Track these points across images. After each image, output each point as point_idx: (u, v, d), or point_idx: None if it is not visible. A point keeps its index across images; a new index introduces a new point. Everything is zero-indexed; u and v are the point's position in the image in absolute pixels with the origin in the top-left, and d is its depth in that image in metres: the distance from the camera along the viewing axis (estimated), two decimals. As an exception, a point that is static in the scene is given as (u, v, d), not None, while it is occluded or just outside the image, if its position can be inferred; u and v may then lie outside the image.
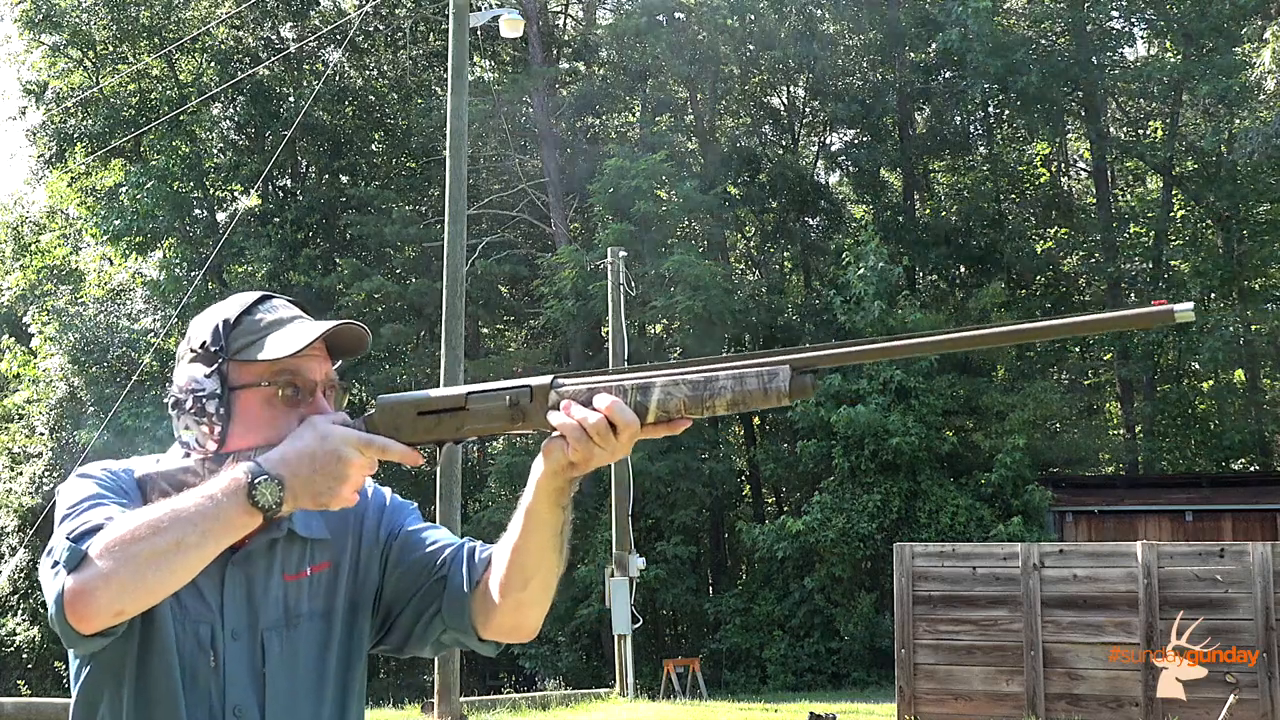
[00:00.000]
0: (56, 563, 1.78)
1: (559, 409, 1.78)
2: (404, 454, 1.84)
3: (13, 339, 34.29)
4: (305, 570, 2.02)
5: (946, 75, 31.33)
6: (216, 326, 1.98)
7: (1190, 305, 1.57)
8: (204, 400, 1.95)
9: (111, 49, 32.02)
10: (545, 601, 1.97)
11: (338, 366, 2.05)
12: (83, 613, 1.74)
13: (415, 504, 2.18)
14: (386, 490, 2.15)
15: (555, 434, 1.79)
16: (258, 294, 2.04)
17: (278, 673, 1.96)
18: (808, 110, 33.66)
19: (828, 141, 34.22)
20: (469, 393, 1.87)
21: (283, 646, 1.96)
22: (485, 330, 33.93)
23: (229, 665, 1.94)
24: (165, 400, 2.04)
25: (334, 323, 1.96)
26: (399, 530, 2.09)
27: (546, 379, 1.82)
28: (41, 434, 31.77)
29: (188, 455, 2.00)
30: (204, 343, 1.98)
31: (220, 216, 32.80)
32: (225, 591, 1.95)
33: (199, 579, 1.91)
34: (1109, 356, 29.97)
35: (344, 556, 2.05)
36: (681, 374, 1.74)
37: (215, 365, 1.95)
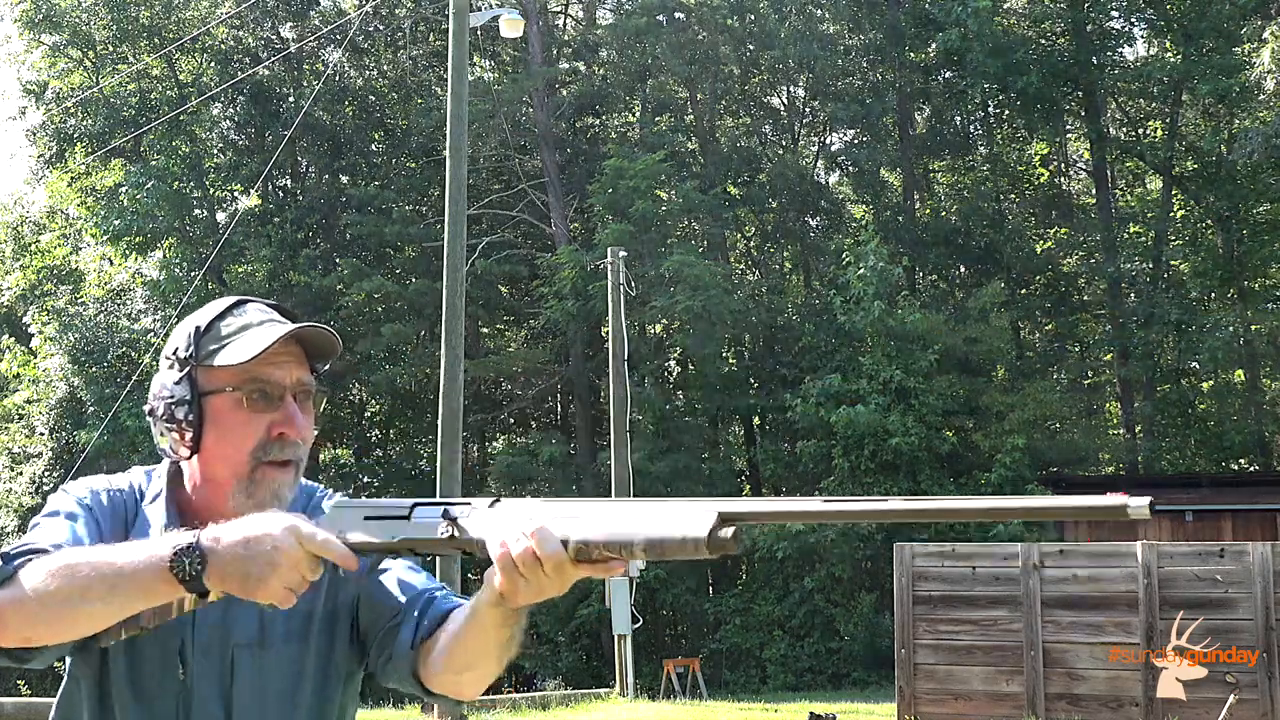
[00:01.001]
0: None
1: (495, 540, 1.70)
2: (343, 556, 1.74)
3: (13, 339, 34.30)
4: None
5: (946, 75, 31.34)
6: (189, 333, 1.98)
7: (1146, 501, 1.49)
8: (174, 407, 1.94)
9: (111, 49, 32.02)
10: (484, 683, 1.93)
11: (328, 369, 2.04)
12: None
13: None
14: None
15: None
16: (233, 299, 2.03)
17: (245, 693, 1.95)
18: (808, 110, 33.66)
19: (828, 141, 34.24)
20: (414, 504, 1.81)
21: (253, 667, 1.94)
22: (485, 330, 33.93)
23: (197, 681, 1.93)
24: (144, 408, 2.04)
25: (294, 325, 1.95)
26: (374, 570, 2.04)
27: (488, 500, 1.75)
28: (41, 434, 31.77)
29: (174, 464, 2.00)
30: (176, 349, 1.98)
31: (220, 216, 32.80)
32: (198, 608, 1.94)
33: None
34: (1109, 357, 29.97)
35: (322, 582, 1.99)
36: (606, 517, 1.65)
37: (185, 371, 1.95)
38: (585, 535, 1.64)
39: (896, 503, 1.58)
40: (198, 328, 1.98)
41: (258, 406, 1.93)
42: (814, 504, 1.61)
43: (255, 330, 1.95)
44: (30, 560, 1.77)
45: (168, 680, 1.92)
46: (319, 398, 2.02)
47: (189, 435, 1.94)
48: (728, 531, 1.59)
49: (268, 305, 2.03)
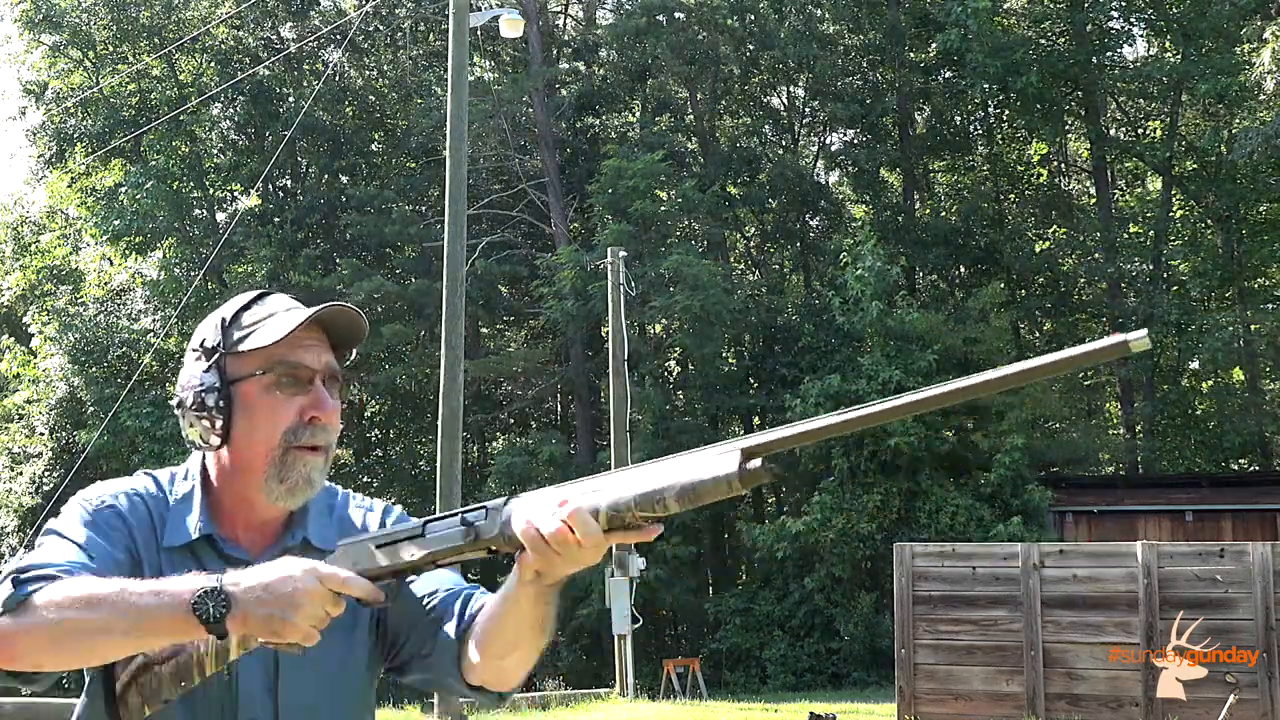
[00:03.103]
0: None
1: (522, 523, 1.73)
2: (365, 590, 1.78)
3: (13, 339, 34.31)
4: None
5: (946, 75, 31.32)
6: (215, 324, 2.00)
7: (1144, 333, 1.49)
8: (203, 395, 1.95)
9: (111, 49, 32.03)
10: (526, 666, 1.94)
11: (350, 361, 2.05)
12: (3, 653, 1.74)
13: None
14: (397, 509, 2.14)
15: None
16: (256, 292, 2.06)
17: (290, 687, 1.95)
18: (808, 110, 33.66)
19: (828, 141, 34.24)
20: (426, 521, 1.84)
21: (299, 660, 1.92)
22: (485, 330, 33.93)
23: (242, 679, 1.93)
24: (171, 403, 2.05)
25: (324, 305, 1.97)
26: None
27: (502, 500, 1.79)
28: (41, 434, 31.78)
29: (203, 458, 2.01)
30: (203, 340, 1.99)
31: (220, 216, 32.82)
32: None
33: None
34: (1108, 357, 29.94)
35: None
36: (631, 479, 1.69)
37: (213, 360, 1.96)
38: (615, 500, 1.68)
39: (906, 398, 1.60)
40: (224, 319, 1.99)
41: (288, 390, 1.95)
42: (830, 419, 1.63)
43: (281, 316, 1.98)
44: (42, 587, 1.76)
45: (212, 679, 1.90)
46: (345, 385, 2.04)
47: (219, 423, 1.95)
48: (755, 463, 1.62)
49: (290, 297, 2.06)
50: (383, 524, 2.09)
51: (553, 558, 1.70)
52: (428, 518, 1.85)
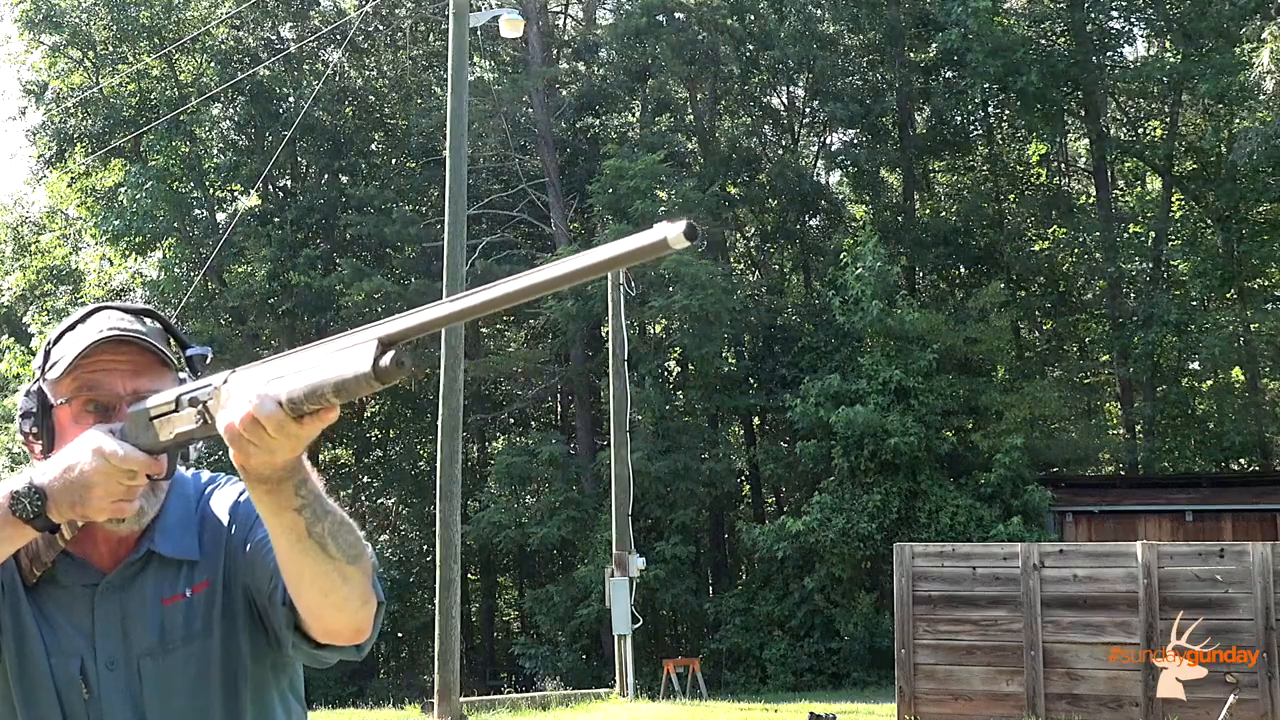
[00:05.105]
0: None
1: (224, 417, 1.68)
2: (145, 463, 1.76)
3: (13, 339, 34.30)
4: (184, 592, 1.98)
5: (946, 75, 31.32)
6: (45, 346, 1.98)
7: (682, 225, 1.42)
8: (23, 420, 1.95)
9: (111, 49, 32.01)
10: (339, 606, 1.83)
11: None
12: None
13: None
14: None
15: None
16: (90, 308, 2.01)
17: (155, 699, 1.94)
18: (808, 110, 33.65)
19: (828, 141, 34.23)
20: (178, 394, 1.79)
21: (159, 672, 1.93)
22: (485, 330, 33.92)
23: (105, 697, 1.93)
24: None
25: (108, 332, 1.91)
26: (253, 539, 1.99)
27: (225, 374, 1.74)
28: (41, 434, 31.74)
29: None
30: (36, 363, 1.99)
31: (220, 216, 32.79)
32: (96, 622, 1.94)
33: (63, 612, 1.92)
34: (1108, 357, 29.98)
35: (219, 572, 2.01)
36: (303, 365, 1.65)
37: (36, 384, 1.95)
38: (290, 392, 1.63)
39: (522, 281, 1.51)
40: (49, 340, 1.98)
41: (90, 418, 1.90)
42: (459, 303, 1.55)
43: (85, 338, 1.93)
44: None
45: (73, 704, 1.91)
46: None
47: (38, 447, 1.94)
48: (388, 358, 1.57)
49: (126, 311, 1.99)
50: (235, 504, 2.04)
51: (247, 447, 1.64)
52: (182, 389, 1.80)
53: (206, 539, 2.03)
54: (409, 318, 1.59)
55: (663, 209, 28.88)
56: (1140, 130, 32.24)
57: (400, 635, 32.51)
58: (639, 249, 1.45)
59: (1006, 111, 31.75)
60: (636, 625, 20.43)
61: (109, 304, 2.03)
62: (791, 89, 33.74)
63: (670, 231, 1.43)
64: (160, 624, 1.96)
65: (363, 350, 1.59)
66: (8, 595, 1.95)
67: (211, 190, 32.93)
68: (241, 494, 2.05)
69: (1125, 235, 29.97)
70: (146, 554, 1.98)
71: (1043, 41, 30.12)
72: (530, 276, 1.53)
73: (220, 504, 2.06)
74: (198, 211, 32.59)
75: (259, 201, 30.96)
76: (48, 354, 1.96)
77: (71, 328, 1.97)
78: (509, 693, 23.45)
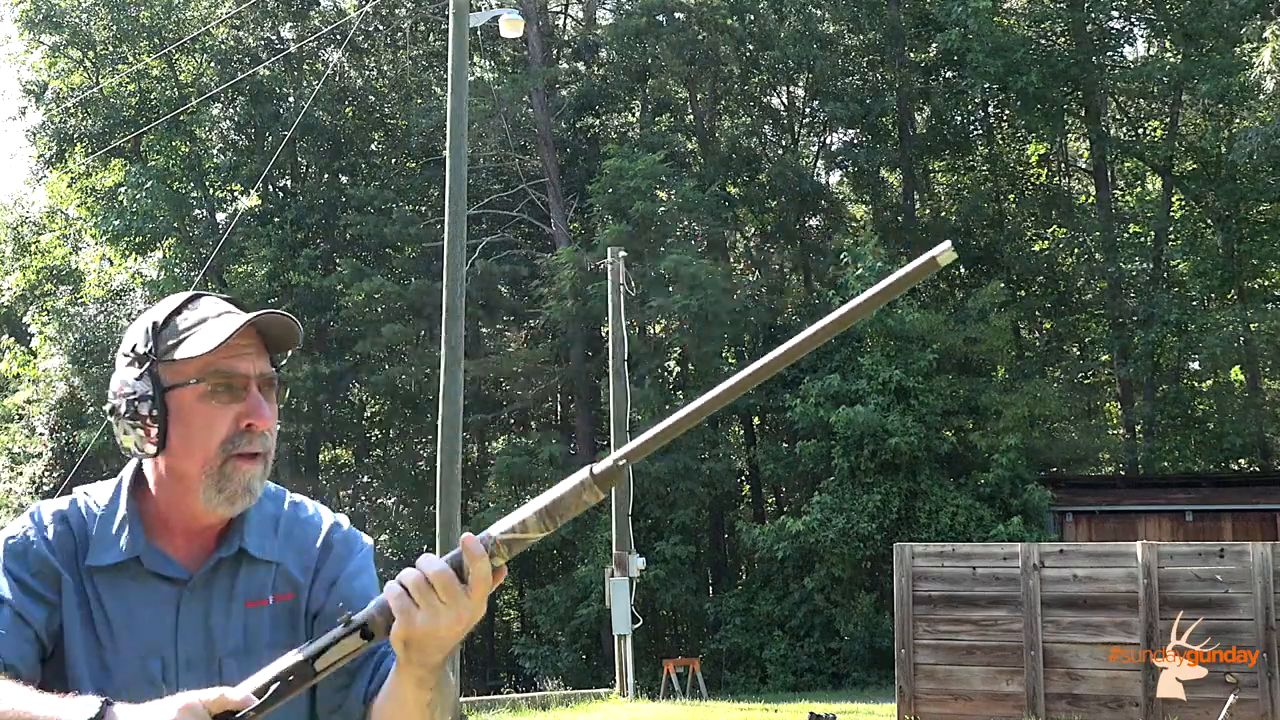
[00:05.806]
0: None
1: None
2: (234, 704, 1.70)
3: (13, 339, 34.32)
4: (268, 598, 1.98)
5: (946, 75, 31.33)
6: (147, 329, 1.96)
7: (947, 245, 1.62)
8: (137, 403, 1.92)
9: (111, 49, 32.01)
10: None
11: (285, 364, 2.02)
12: None
13: (375, 574, 2.09)
14: (366, 540, 2.09)
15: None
16: (188, 294, 2.02)
17: None
18: (807, 110, 33.65)
19: (828, 141, 34.23)
20: (308, 657, 1.75)
21: (242, 674, 1.87)
22: (485, 330, 33.93)
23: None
24: (104, 409, 2.02)
25: (254, 314, 1.93)
26: (344, 597, 1.99)
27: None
28: (41, 434, 31.78)
29: (138, 465, 1.99)
30: (134, 346, 1.96)
31: (220, 216, 32.80)
32: (180, 621, 1.93)
33: (145, 614, 1.90)
34: (1108, 356, 29.98)
35: (302, 590, 2.01)
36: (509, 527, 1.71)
37: (146, 367, 1.93)
38: (488, 533, 1.70)
39: (753, 366, 1.71)
40: (155, 323, 1.96)
41: (223, 398, 1.91)
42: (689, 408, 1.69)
43: (214, 322, 1.94)
44: None
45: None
46: (281, 390, 2.00)
47: (154, 431, 1.92)
48: (609, 467, 1.68)
49: (223, 299, 2.01)
50: (328, 542, 2.04)
51: (412, 611, 1.67)
52: (310, 650, 1.75)
53: (291, 550, 2.02)
54: (633, 441, 1.71)
55: (662, 209, 28.90)
56: (1140, 130, 32.24)
57: (400, 635, 32.45)
58: (912, 273, 1.65)
59: (1006, 111, 31.76)
60: (636, 625, 20.44)
61: (201, 292, 2.04)
62: (791, 89, 33.75)
63: (937, 251, 1.61)
64: (244, 626, 1.95)
65: (578, 475, 1.70)
66: (81, 589, 1.92)
67: (211, 190, 32.94)
68: (332, 532, 2.06)
69: (1125, 235, 29.98)
70: (239, 551, 1.97)
71: (1043, 41, 30.12)
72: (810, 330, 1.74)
73: (307, 525, 2.06)
74: (198, 211, 32.60)
75: (259, 201, 30.97)
76: (154, 337, 1.94)
77: (178, 311, 1.97)
78: (509, 693, 23.45)
